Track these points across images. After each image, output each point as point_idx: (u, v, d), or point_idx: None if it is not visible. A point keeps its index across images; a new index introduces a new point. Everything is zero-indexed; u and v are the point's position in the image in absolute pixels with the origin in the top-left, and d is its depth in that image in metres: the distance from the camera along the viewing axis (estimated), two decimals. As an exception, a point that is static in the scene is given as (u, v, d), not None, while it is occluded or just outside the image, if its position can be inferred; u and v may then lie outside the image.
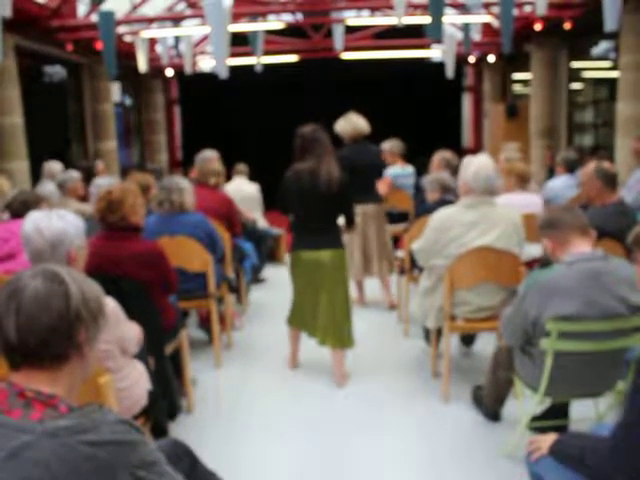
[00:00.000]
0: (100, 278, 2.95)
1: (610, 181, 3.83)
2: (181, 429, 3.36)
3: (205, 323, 4.65)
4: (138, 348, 2.53)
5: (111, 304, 2.28)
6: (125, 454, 1.23)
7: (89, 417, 1.24)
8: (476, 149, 11.72)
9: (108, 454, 1.21)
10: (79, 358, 1.34)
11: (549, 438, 1.96)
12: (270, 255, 7.02)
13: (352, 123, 5.17)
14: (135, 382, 2.45)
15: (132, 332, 2.47)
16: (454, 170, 5.70)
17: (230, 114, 11.44)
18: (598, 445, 1.71)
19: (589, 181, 3.88)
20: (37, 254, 2.21)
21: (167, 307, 3.30)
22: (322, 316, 3.89)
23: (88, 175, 6.52)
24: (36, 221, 2.24)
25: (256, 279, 6.29)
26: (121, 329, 2.34)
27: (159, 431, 2.55)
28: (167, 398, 2.87)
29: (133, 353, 2.49)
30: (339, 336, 3.90)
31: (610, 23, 4.73)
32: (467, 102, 12.72)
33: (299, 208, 3.80)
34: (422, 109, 11.38)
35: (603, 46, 8.74)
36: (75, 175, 5.56)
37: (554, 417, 3.02)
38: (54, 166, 6.41)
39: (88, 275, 3.02)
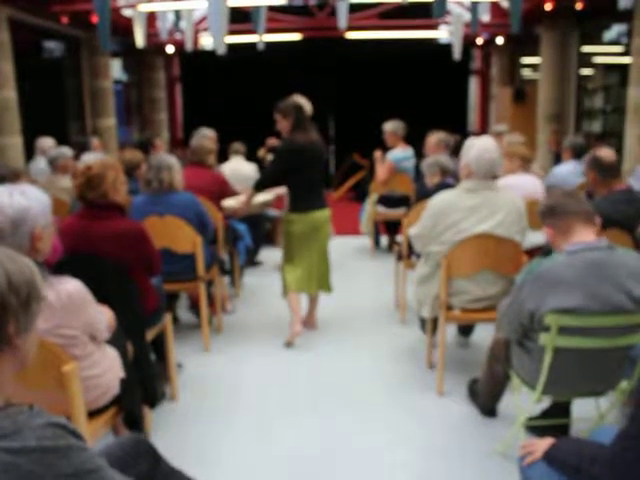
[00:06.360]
0: (75, 258, 2.83)
1: (605, 170, 3.69)
2: (163, 416, 3.23)
3: (195, 306, 4.52)
4: (109, 334, 2.37)
5: (76, 286, 2.12)
6: (53, 462, 1.07)
7: (12, 419, 1.08)
8: (482, 133, 11.50)
9: (32, 463, 1.05)
10: (11, 351, 1.17)
11: (544, 442, 1.81)
12: (267, 237, 6.86)
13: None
14: (106, 370, 2.29)
15: (102, 317, 2.30)
16: (452, 151, 5.54)
17: (232, 92, 11.24)
18: (597, 455, 1.55)
19: (587, 171, 3.78)
20: (-2, 233, 2.03)
21: (149, 290, 3.13)
22: (315, 269, 4.29)
23: (81, 151, 6.36)
24: (-4, 197, 2.06)
25: (252, 262, 6.14)
26: (88, 314, 2.17)
27: (133, 422, 2.40)
28: (147, 386, 2.73)
29: (104, 339, 2.32)
30: (323, 283, 4.39)
31: (624, 1, 4.51)
32: (474, 85, 12.49)
33: (308, 173, 4.12)
34: (428, 91, 11.16)
35: (615, 30, 8.49)
36: (66, 152, 5.39)
37: (555, 416, 2.87)
38: (46, 142, 6.27)
39: (65, 254, 2.89)
